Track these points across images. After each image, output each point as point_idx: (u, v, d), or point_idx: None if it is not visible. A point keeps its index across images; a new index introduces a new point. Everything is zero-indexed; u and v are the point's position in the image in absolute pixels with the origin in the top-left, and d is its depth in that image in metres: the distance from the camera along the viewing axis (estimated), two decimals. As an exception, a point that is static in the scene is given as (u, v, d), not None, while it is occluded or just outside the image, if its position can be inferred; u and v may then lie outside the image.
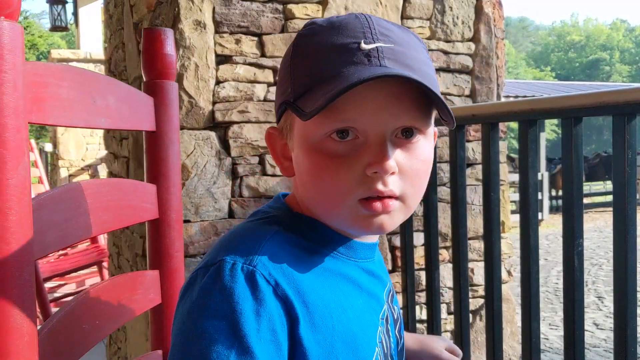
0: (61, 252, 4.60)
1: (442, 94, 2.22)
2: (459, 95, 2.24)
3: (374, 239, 0.78)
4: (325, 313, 0.66)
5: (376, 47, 0.66)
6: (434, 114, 0.70)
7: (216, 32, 1.94)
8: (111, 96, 0.83)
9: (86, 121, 0.77)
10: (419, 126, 0.67)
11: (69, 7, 8.65)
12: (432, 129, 0.72)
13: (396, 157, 0.66)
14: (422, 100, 0.66)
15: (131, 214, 0.90)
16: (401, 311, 0.87)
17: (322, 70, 0.66)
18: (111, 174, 3.07)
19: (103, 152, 6.97)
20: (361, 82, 0.61)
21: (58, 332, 0.70)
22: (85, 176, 8.19)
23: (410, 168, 0.67)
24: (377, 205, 0.66)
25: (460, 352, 1.01)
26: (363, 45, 0.66)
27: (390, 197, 0.66)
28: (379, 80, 0.63)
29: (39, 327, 0.66)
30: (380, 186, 0.65)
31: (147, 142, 0.97)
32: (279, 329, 0.62)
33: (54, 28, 8.64)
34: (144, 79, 0.98)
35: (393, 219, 0.68)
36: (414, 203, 0.70)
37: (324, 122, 0.65)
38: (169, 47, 0.97)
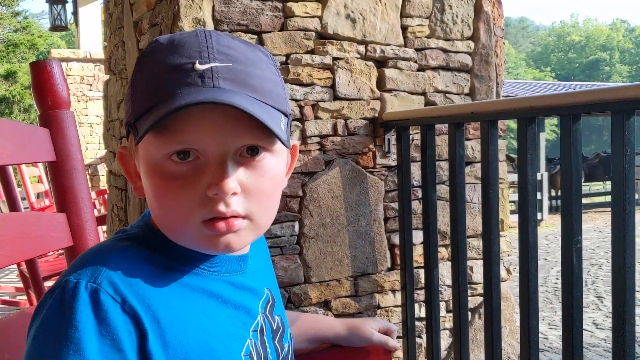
0: (60, 251, 4.60)
1: (441, 92, 2.22)
2: (458, 94, 2.24)
3: (244, 250, 0.76)
4: (179, 329, 0.65)
5: (210, 67, 0.65)
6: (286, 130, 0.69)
7: (216, 29, 1.94)
8: (1, 137, 0.84)
9: None
10: (262, 144, 0.67)
11: (69, 6, 8.65)
12: (280, 146, 0.70)
13: (239, 177, 0.65)
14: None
15: (39, 245, 0.90)
16: (286, 319, 0.86)
17: (157, 91, 0.64)
18: (111, 173, 3.07)
19: (103, 152, 6.96)
20: (181, 107, 0.60)
21: None
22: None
23: (255, 187, 0.67)
24: (221, 225, 0.66)
25: (394, 327, 1.01)
26: (197, 66, 0.65)
27: (234, 216, 0.66)
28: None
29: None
30: (222, 207, 0.65)
31: (51, 172, 0.99)
32: (127, 346, 0.61)
33: (54, 28, 8.64)
34: (38, 111, 1.00)
35: (241, 237, 0.68)
36: (264, 221, 0.70)
37: (164, 144, 0.64)
38: (58, 78, 0.98)
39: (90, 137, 8.45)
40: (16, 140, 0.90)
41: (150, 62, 0.67)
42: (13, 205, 2.46)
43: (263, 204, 0.68)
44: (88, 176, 8.06)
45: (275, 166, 0.69)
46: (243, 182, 0.66)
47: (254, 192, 0.67)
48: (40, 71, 0.98)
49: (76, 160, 1.00)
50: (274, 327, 0.80)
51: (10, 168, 2.46)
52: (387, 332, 1.00)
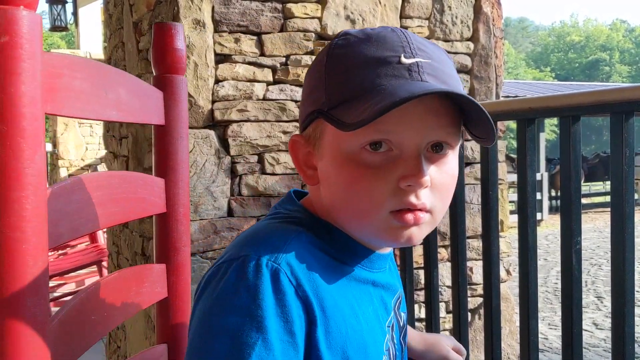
0: (61, 251, 4.60)
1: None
2: (458, 95, 2.25)
3: (388, 249, 0.77)
4: (340, 319, 0.66)
5: (416, 61, 0.66)
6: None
7: (215, 31, 1.94)
8: (122, 89, 0.83)
9: (98, 113, 0.77)
10: (450, 141, 0.68)
11: (69, 7, 8.66)
12: (459, 145, 0.72)
13: (429, 171, 0.67)
14: (456, 116, 0.67)
15: (139, 207, 0.90)
16: (407, 318, 0.87)
17: (361, 82, 0.65)
18: (110, 173, 3.07)
19: (103, 152, 6.97)
20: (414, 97, 0.61)
21: (68, 323, 0.70)
22: (84, 176, 8.18)
23: (440, 182, 0.68)
24: (409, 217, 0.66)
25: (464, 350, 1.01)
26: (403, 60, 0.66)
27: (421, 209, 0.67)
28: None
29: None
30: (413, 199, 0.66)
31: (156, 136, 0.97)
32: (298, 331, 0.62)
33: (54, 28, 8.64)
34: (154, 73, 0.98)
35: (422, 231, 0.69)
36: (441, 216, 0.71)
37: (360, 133, 0.64)
38: (179, 42, 0.97)
39: (90, 138, 8.46)
40: (138, 97, 0.89)
41: (348, 53, 0.67)
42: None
43: (444, 199, 0.70)
44: (88, 177, 8.07)
45: (455, 164, 0.71)
46: (432, 176, 0.67)
47: (439, 188, 0.68)
48: (164, 32, 0.96)
49: (183, 128, 0.98)
50: (401, 324, 0.82)
51: (45, 150, 2.42)
52: (458, 352, 1.01)
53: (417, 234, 0.68)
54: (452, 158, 0.70)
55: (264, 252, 0.63)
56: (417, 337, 0.99)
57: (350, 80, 0.66)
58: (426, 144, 0.66)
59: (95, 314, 0.77)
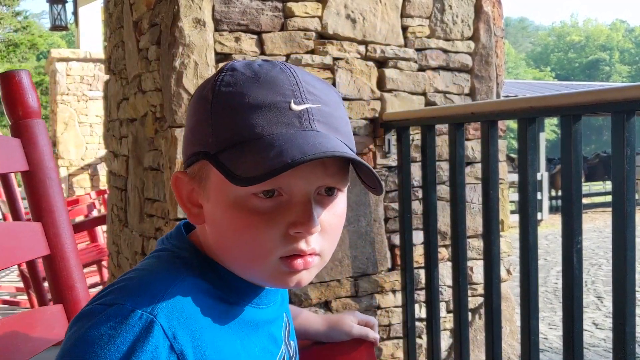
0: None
1: (441, 92, 2.22)
2: (458, 94, 2.24)
3: None
4: None
5: (306, 108, 0.65)
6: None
7: (216, 30, 1.94)
8: None
9: None
10: (339, 186, 0.69)
11: (69, 6, 8.66)
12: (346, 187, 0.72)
13: (319, 216, 0.66)
14: (344, 163, 0.68)
15: (14, 255, 0.89)
16: (297, 345, 0.86)
17: (251, 127, 0.63)
18: (111, 173, 3.07)
19: (103, 152, 6.97)
20: (306, 160, 0.60)
21: None
22: (85, 175, 8.20)
23: (329, 225, 0.68)
24: (299, 262, 0.66)
25: (374, 320, 1.01)
26: (293, 106, 0.65)
27: (311, 254, 0.67)
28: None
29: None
30: (303, 245, 0.65)
31: (24, 182, 0.98)
32: None
33: (54, 27, 8.64)
34: (9, 122, 0.99)
35: (310, 274, 0.69)
36: (329, 256, 0.71)
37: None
38: (27, 88, 0.98)
39: (90, 137, 8.46)
40: None
41: (235, 94, 0.65)
42: (14, 209, 2.46)
43: (333, 240, 0.70)
44: (88, 176, 8.08)
45: (344, 204, 0.71)
46: (322, 220, 0.67)
47: (328, 230, 0.68)
48: (10, 82, 0.97)
49: (49, 169, 0.99)
50: (291, 354, 0.81)
51: (12, 173, 2.46)
52: (367, 325, 1.00)
53: (306, 277, 0.68)
54: (341, 199, 0.70)
55: (140, 302, 0.61)
56: (318, 319, 0.99)
57: (238, 124, 0.64)
58: (315, 189, 0.66)
59: None
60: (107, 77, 3.10)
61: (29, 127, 0.99)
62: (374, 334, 1.00)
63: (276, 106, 0.64)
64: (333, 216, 0.68)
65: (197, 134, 0.67)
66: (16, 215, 2.51)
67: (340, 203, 0.70)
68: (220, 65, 1.95)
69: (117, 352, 0.58)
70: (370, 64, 2.11)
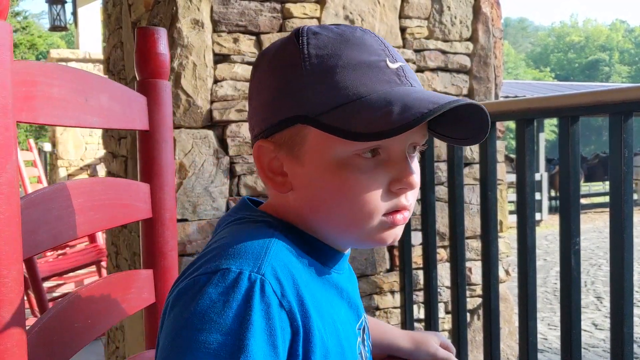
0: (60, 251, 4.60)
1: (440, 93, 2.22)
2: (457, 95, 2.24)
3: (348, 249, 0.78)
4: (321, 327, 0.65)
5: (400, 66, 0.67)
6: None
7: (214, 31, 1.94)
8: (103, 95, 0.82)
9: (78, 120, 0.77)
10: (423, 143, 0.71)
11: (68, 7, 8.66)
12: None
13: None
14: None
15: (124, 213, 0.89)
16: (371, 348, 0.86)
17: (355, 86, 0.64)
18: (109, 174, 3.07)
19: (102, 152, 6.97)
20: (441, 110, 0.61)
21: (49, 331, 0.70)
22: (84, 176, 8.19)
23: (417, 182, 0.70)
24: (400, 217, 0.68)
25: (453, 348, 1.01)
26: (390, 64, 0.66)
27: (407, 209, 0.69)
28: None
29: (29, 326, 0.66)
30: (404, 201, 0.68)
31: (141, 142, 0.97)
32: (280, 344, 0.60)
33: (53, 28, 8.64)
34: (137, 78, 0.98)
35: (401, 229, 0.71)
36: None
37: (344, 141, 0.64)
38: (162, 47, 0.96)
39: (89, 137, 8.46)
40: (121, 103, 0.88)
41: (333, 56, 0.65)
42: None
43: (416, 196, 0.72)
44: (87, 176, 8.08)
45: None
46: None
47: (416, 187, 0.70)
48: (147, 37, 0.95)
49: (167, 133, 0.98)
50: (367, 328, 0.81)
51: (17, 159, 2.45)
52: (447, 349, 1.00)
53: (400, 232, 0.71)
54: (417, 157, 0.72)
55: (245, 263, 0.61)
56: (404, 335, 0.98)
57: (341, 84, 0.64)
58: (408, 146, 0.68)
59: (79, 321, 0.76)
60: (106, 77, 3.10)
61: (157, 86, 0.98)
62: None
63: (375, 65, 0.65)
64: (417, 173, 0.70)
65: (286, 100, 0.66)
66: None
67: (417, 160, 0.72)
68: (219, 66, 1.95)
69: (233, 315, 0.58)
70: (369, 64, 2.11)
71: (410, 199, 0.69)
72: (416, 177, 0.68)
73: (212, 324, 0.57)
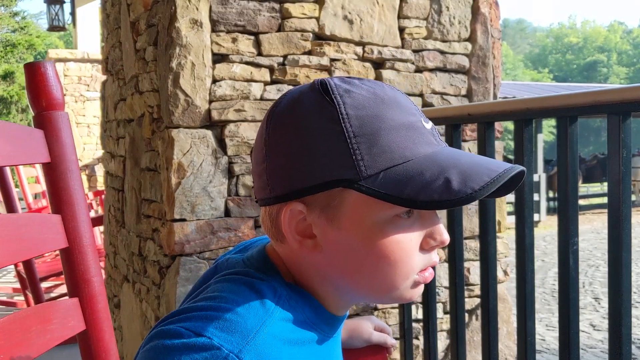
0: (57, 252, 4.59)
1: (438, 93, 2.22)
2: (455, 95, 2.24)
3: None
4: None
5: (432, 125, 0.67)
6: None
7: (213, 30, 1.94)
8: None
9: None
10: None
11: (67, 7, 8.65)
12: None
13: None
14: None
15: (33, 246, 0.89)
16: None
17: (401, 150, 0.63)
18: (108, 174, 3.06)
19: (100, 152, 6.96)
20: (501, 182, 0.62)
21: None
22: (82, 176, 8.16)
23: (448, 238, 0.70)
24: (429, 275, 0.69)
25: (388, 328, 1.01)
26: (425, 125, 0.66)
27: (436, 264, 0.70)
28: None
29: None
30: (435, 257, 0.69)
31: (45, 174, 0.99)
32: None
33: (52, 28, 8.64)
34: (33, 113, 1.00)
35: None
36: None
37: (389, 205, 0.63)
38: (52, 79, 0.98)
39: (87, 138, 8.45)
40: (12, 141, 0.89)
41: (374, 117, 0.63)
42: (10, 206, 2.46)
43: None
44: (85, 177, 8.06)
45: None
46: None
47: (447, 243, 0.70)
48: (35, 72, 0.97)
49: (71, 162, 0.99)
50: None
51: (7, 168, 2.46)
52: (382, 331, 1.00)
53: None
54: None
55: (230, 340, 0.58)
56: None
57: (386, 147, 0.62)
58: None
59: None
60: (104, 77, 3.10)
61: (53, 118, 0.99)
62: (392, 341, 1.00)
63: (414, 126, 0.65)
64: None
65: (325, 162, 0.63)
66: (10, 205, 2.50)
67: None
68: (217, 65, 1.95)
69: None
70: (368, 65, 2.11)
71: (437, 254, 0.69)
72: (446, 234, 0.68)
73: None
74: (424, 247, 0.66)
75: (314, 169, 0.64)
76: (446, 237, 0.67)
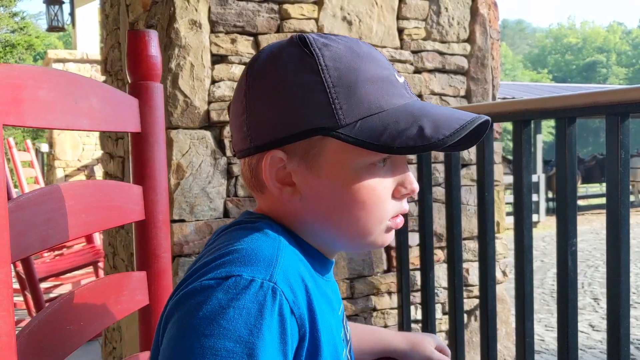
0: (57, 252, 4.59)
1: (437, 94, 2.22)
2: (454, 96, 2.25)
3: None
4: (323, 332, 0.64)
5: (404, 79, 0.71)
6: None
7: (212, 31, 1.94)
8: (94, 97, 0.82)
9: (67, 123, 0.76)
10: None
11: (66, 7, 8.65)
12: None
13: None
14: None
15: (116, 215, 0.89)
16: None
17: (377, 100, 0.66)
18: (107, 174, 3.06)
19: (99, 153, 6.97)
20: (470, 129, 0.66)
21: (40, 333, 0.69)
22: (81, 176, 8.18)
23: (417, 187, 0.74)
24: (400, 221, 0.72)
25: (449, 350, 1.01)
26: (397, 78, 0.70)
27: (406, 212, 0.73)
28: None
29: (21, 328, 0.65)
30: (405, 205, 0.72)
31: (132, 144, 0.97)
32: (290, 352, 0.59)
33: (51, 28, 8.63)
34: (129, 80, 0.98)
35: None
36: None
37: (371, 151, 0.65)
38: (153, 49, 0.96)
39: (86, 138, 8.44)
40: (112, 106, 0.88)
41: (351, 69, 0.66)
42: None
43: None
44: (84, 177, 8.07)
45: None
46: None
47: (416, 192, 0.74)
48: (138, 40, 0.96)
49: (160, 134, 0.98)
50: (348, 337, 0.80)
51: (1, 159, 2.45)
52: (442, 351, 1.00)
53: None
54: None
55: (257, 270, 0.60)
56: (400, 336, 0.98)
57: (363, 97, 0.65)
58: None
59: (71, 324, 0.76)
60: (103, 78, 3.09)
61: (149, 88, 0.98)
62: None
63: (388, 78, 0.68)
64: None
65: (305, 111, 0.66)
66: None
67: None
68: (216, 66, 1.95)
69: (244, 323, 0.56)
70: (367, 65, 2.11)
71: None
72: (416, 183, 0.72)
73: (221, 330, 0.56)
74: (395, 195, 0.70)
75: (295, 118, 0.66)
76: (416, 186, 0.71)
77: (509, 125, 1.86)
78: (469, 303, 2.24)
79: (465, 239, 2.19)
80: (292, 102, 0.66)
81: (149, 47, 0.96)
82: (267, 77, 0.68)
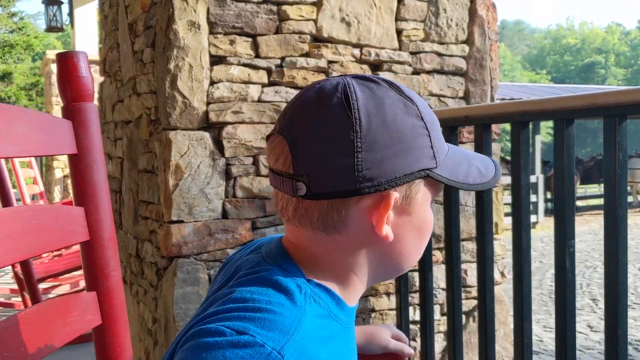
0: (55, 252, 4.58)
1: (436, 95, 2.23)
2: (452, 97, 2.25)
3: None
4: None
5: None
6: None
7: (210, 32, 1.94)
8: (23, 125, 0.84)
9: (0, 151, 0.77)
10: None
11: (65, 7, 8.65)
12: None
13: None
14: None
15: (57, 238, 0.89)
16: None
17: (443, 142, 0.74)
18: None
19: (98, 153, 6.93)
20: (498, 167, 0.79)
21: None
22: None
23: None
24: None
25: (405, 338, 1.02)
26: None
27: None
28: None
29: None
30: None
31: (71, 166, 0.98)
32: None
33: (50, 29, 8.63)
34: (62, 103, 0.99)
35: None
36: None
37: (435, 192, 0.75)
38: (83, 70, 0.97)
39: (85, 139, 8.42)
40: (44, 131, 0.89)
41: (427, 112, 0.72)
42: (6, 199, 2.45)
43: None
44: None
45: None
46: None
47: None
48: (66, 62, 0.96)
49: (97, 154, 0.99)
50: None
51: (2, 164, 2.45)
52: (399, 339, 1.01)
53: None
54: None
55: (272, 337, 0.60)
56: (357, 331, 0.98)
57: (441, 140, 0.73)
58: None
59: (11, 350, 0.75)
60: (102, 79, 3.09)
61: (82, 110, 0.98)
62: (409, 350, 1.00)
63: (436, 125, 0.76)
64: None
65: (417, 153, 0.70)
66: (6, 202, 2.49)
67: None
68: (215, 67, 1.95)
69: None
70: (365, 67, 2.12)
71: None
72: None
73: None
74: None
75: (410, 160, 0.70)
76: None
77: (507, 126, 1.86)
78: (468, 304, 2.25)
79: (463, 240, 2.19)
80: (409, 144, 0.69)
81: (78, 68, 0.97)
82: (380, 118, 0.69)
